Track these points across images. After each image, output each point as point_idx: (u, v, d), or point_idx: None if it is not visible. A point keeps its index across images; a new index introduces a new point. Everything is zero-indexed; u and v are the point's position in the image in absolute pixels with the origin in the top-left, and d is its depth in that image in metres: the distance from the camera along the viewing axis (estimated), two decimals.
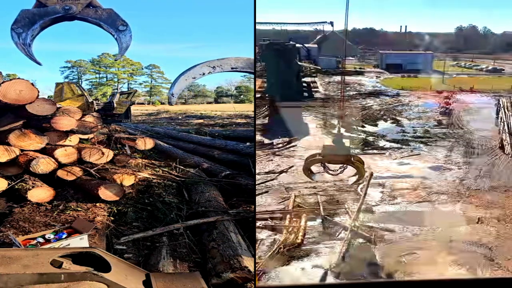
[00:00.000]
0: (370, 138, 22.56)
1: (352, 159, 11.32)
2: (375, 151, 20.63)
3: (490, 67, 46.10)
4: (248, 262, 7.22)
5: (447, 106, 28.56)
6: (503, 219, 13.65)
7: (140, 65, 68.35)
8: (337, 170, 11.45)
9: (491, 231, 13.02)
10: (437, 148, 21.15)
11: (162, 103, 65.29)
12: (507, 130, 21.23)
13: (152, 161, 15.53)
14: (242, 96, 72.43)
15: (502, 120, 22.74)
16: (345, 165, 11.34)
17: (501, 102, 24.99)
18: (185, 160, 16.08)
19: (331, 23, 43.26)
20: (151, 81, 70.13)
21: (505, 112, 23.25)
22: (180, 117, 45.07)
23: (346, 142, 11.52)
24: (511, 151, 19.44)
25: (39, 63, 8.15)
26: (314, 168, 12.11)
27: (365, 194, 14.75)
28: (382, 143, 21.85)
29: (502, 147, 20.32)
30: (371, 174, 16.41)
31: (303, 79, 34.83)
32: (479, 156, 19.79)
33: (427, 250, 12.05)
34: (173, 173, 14.07)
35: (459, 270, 11.14)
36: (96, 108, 28.71)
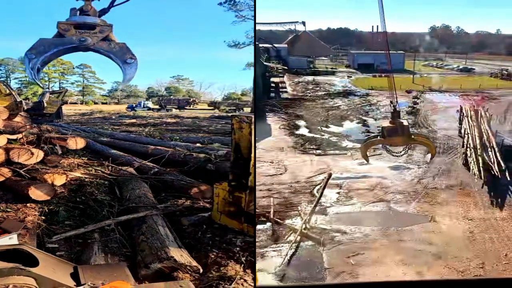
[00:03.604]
0: (334, 139, 21.89)
1: (414, 137, 11.05)
2: (336, 151, 20.00)
3: (461, 67, 46.79)
4: (174, 253, 7.61)
5: (414, 106, 29.03)
6: (455, 217, 13.72)
7: (71, 65, 67.48)
8: (401, 152, 11.29)
9: (442, 228, 13.13)
10: (399, 147, 20.91)
11: (96, 103, 65.25)
12: (471, 145, 17.84)
13: (86, 161, 15.55)
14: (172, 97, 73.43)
15: (466, 132, 19.45)
16: (409, 146, 11.13)
17: (464, 110, 22.05)
18: (117, 159, 16.30)
19: (303, 23, 43.39)
20: (83, 81, 69.71)
21: (468, 122, 20.31)
22: (113, 117, 45.16)
23: (405, 122, 11.16)
24: (477, 170, 15.73)
25: (42, 87, 8.27)
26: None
27: (321, 195, 14.52)
28: (345, 143, 21.17)
29: (466, 164, 17.25)
30: (330, 175, 16.14)
31: (272, 79, 34.78)
32: (440, 154, 19.06)
33: (376, 251, 12.00)
34: (105, 171, 14.18)
35: (406, 269, 11.08)
36: (25, 108, 28.50)
